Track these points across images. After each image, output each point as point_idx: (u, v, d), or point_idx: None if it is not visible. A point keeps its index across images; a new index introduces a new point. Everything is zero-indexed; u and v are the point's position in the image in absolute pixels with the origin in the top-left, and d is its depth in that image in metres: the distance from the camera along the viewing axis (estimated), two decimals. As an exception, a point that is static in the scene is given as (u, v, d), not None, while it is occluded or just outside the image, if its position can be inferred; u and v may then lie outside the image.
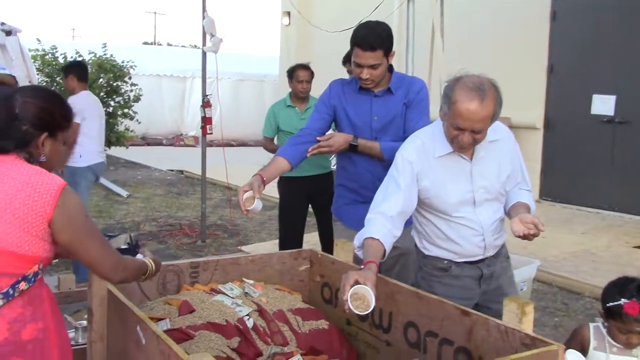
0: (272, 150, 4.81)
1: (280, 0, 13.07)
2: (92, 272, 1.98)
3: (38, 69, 11.20)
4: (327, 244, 4.72)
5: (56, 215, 1.76)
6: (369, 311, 2.09)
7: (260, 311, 2.47)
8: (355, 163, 3.13)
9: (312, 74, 4.97)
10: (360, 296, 2.10)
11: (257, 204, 2.72)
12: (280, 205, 5.10)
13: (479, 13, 8.82)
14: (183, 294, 2.53)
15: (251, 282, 2.69)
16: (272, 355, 2.31)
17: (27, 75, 7.58)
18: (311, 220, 5.27)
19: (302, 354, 2.35)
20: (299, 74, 4.94)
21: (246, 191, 2.72)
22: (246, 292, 2.58)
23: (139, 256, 2.24)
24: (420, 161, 2.48)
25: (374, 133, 3.07)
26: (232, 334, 2.34)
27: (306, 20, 9.15)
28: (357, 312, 2.09)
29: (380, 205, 2.46)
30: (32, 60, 11.14)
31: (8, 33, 6.92)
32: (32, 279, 1.79)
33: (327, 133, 3.13)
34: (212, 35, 6.19)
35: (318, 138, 3.03)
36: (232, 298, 2.51)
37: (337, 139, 3.04)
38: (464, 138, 2.32)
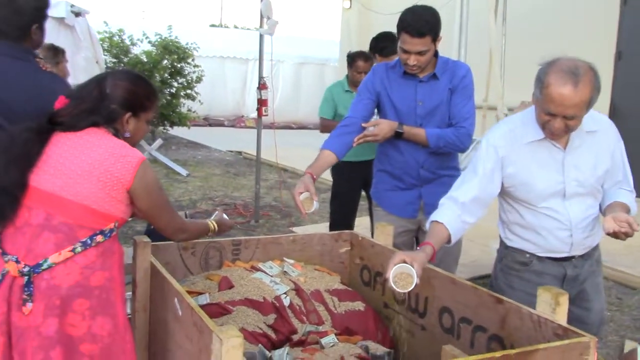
0: (330, 130, 4.81)
1: (341, -16, 13.00)
2: (160, 231, 2.23)
3: (106, 50, 11.56)
4: None
5: (135, 184, 2.00)
6: (408, 290, 2.09)
7: (298, 290, 2.52)
8: (399, 150, 3.08)
9: (372, 65, 4.89)
10: (404, 275, 2.10)
11: (315, 205, 2.68)
12: (333, 189, 5.11)
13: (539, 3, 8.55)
14: (224, 270, 2.60)
15: (291, 261, 2.74)
16: (306, 334, 2.36)
17: (95, 56, 7.87)
18: (364, 204, 5.28)
19: (336, 334, 2.39)
20: (358, 65, 4.85)
21: (301, 193, 2.67)
22: (285, 271, 2.63)
23: (215, 214, 2.51)
24: (507, 146, 2.38)
25: (418, 119, 3.02)
26: (268, 310, 2.40)
27: (362, 4, 9.08)
28: (396, 288, 2.09)
29: (454, 190, 2.43)
30: (100, 42, 11.55)
31: (77, 15, 7.18)
32: (108, 234, 2.00)
33: (372, 120, 3.08)
34: (269, 18, 6.24)
35: (364, 125, 2.98)
36: (271, 276, 2.57)
37: (383, 126, 2.97)
38: (556, 124, 2.20)
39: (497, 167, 2.38)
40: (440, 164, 3.08)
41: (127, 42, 11.73)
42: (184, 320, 1.99)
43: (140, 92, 2.11)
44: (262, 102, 6.25)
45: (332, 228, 5.07)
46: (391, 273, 2.09)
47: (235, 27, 38.74)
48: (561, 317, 1.95)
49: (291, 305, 2.45)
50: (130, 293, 2.82)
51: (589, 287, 2.55)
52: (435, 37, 2.88)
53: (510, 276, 2.53)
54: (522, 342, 2.00)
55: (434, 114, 3.01)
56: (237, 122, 17.03)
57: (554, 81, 2.13)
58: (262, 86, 6.25)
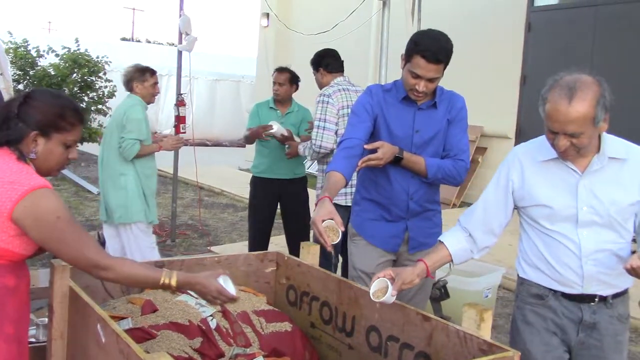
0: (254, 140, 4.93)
1: (259, 2, 13.08)
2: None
3: (11, 62, 11.04)
4: (294, 247, 4.74)
5: (18, 213, 1.82)
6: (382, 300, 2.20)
7: (224, 312, 2.47)
8: (389, 178, 2.90)
9: (291, 78, 4.96)
10: (383, 289, 2.23)
11: (340, 236, 2.36)
12: (250, 203, 5.12)
13: (455, 22, 8.89)
14: (147, 293, 2.51)
15: (216, 282, 2.68)
16: (234, 356, 2.31)
17: (0, 68, 7.47)
18: (279, 222, 5.28)
19: (264, 356, 2.36)
20: (274, 76, 4.98)
21: (324, 220, 2.35)
22: (210, 293, 2.58)
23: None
24: (519, 163, 2.33)
25: (414, 148, 2.86)
26: (194, 334, 2.34)
27: (283, 23, 9.16)
28: (374, 299, 2.21)
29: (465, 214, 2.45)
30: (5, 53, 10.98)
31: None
32: None
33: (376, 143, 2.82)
34: (187, 34, 6.17)
35: (367, 146, 2.77)
36: (196, 298, 2.50)
37: (386, 150, 2.75)
38: (559, 142, 2.10)
39: (506, 188, 2.34)
40: (429, 197, 2.97)
41: (33, 54, 11.25)
42: (108, 347, 1.90)
43: (52, 110, 1.94)
44: (180, 119, 6.14)
45: (251, 243, 5.05)
46: (372, 286, 2.24)
47: (148, 41, 38.02)
48: (486, 332, 2.01)
49: (218, 328, 2.40)
50: (45, 319, 2.68)
51: (608, 344, 2.29)
52: (446, 65, 2.76)
53: (525, 310, 2.38)
54: (449, 358, 2.05)
55: (430, 143, 2.89)
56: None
57: (551, 97, 2.10)
58: (179, 103, 6.15)
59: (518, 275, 2.41)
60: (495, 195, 2.38)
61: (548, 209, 2.25)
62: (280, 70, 5.00)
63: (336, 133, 4.19)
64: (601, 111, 2.08)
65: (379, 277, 2.23)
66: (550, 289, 2.30)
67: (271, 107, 5.02)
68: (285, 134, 4.71)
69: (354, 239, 3.05)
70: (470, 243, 2.39)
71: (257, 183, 5.01)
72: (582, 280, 2.24)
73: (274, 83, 4.94)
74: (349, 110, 4.71)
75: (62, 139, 1.98)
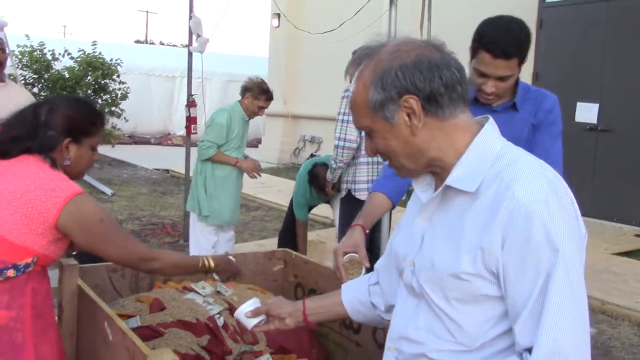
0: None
1: (270, 2, 13.13)
2: (120, 265, 2.17)
3: (26, 65, 11.17)
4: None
5: (64, 220, 1.86)
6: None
7: (231, 310, 2.49)
8: None
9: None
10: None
11: (363, 273, 2.06)
12: (285, 222, 5.04)
13: (466, 19, 8.88)
14: (155, 292, 2.54)
15: (224, 280, 2.70)
16: (240, 354, 2.33)
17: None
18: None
19: (271, 353, 2.37)
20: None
21: (347, 253, 2.12)
22: (218, 291, 2.60)
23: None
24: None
25: None
26: (202, 332, 2.36)
27: (292, 23, 9.18)
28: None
29: None
30: (20, 56, 11.13)
31: (-6, 28, 6.91)
32: (22, 269, 1.87)
33: None
34: (199, 36, 6.21)
35: None
36: (204, 296, 2.53)
37: None
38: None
39: None
40: None
41: (49, 57, 11.37)
42: (115, 345, 1.93)
43: (80, 117, 2.00)
44: (191, 120, 6.19)
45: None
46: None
47: (162, 43, 38.25)
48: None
49: (225, 326, 2.42)
50: (55, 318, 2.72)
51: None
52: (522, 60, 2.27)
53: None
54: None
55: None
56: (163, 139, 16.75)
57: None
58: (190, 104, 6.20)
59: None
60: None
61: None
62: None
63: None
64: (376, 92, 1.30)
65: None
66: None
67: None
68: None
69: None
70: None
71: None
72: None
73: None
74: None
75: (91, 142, 2.05)
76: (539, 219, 1.20)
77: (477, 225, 1.26)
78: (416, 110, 1.29)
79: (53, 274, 3.63)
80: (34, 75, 11.16)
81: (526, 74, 8.52)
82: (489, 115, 1.41)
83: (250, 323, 1.73)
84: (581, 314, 1.22)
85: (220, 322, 2.42)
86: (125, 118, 11.65)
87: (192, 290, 2.57)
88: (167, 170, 11.78)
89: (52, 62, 11.39)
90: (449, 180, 1.32)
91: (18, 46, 11.19)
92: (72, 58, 11.41)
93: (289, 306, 1.74)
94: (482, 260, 1.25)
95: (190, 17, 6.34)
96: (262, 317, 1.74)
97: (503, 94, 2.35)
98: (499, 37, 2.21)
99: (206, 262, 2.21)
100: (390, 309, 1.60)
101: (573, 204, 1.30)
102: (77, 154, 2.00)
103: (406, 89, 1.28)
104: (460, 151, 1.33)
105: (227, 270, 2.32)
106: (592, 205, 7.86)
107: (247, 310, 1.72)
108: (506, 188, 1.24)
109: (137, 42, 34.63)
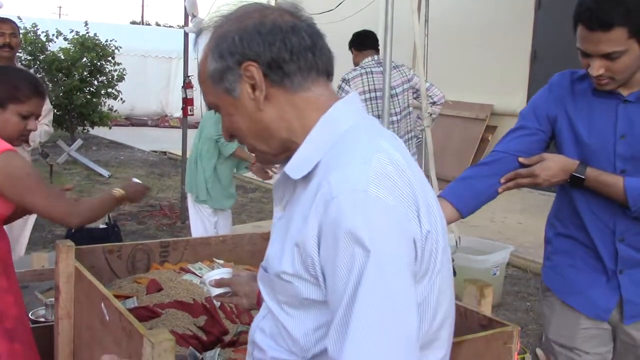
0: None
1: (267, -18, 13.01)
2: (49, 219, 2.24)
3: (21, 47, 11.09)
4: None
5: None
6: None
7: (228, 291, 2.50)
8: (576, 207, 2.02)
9: None
10: None
11: None
12: None
13: (464, 0, 8.84)
14: (152, 273, 2.55)
15: (221, 262, 2.71)
16: (237, 334, 2.34)
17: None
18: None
19: (268, 333, 2.38)
20: None
21: None
22: (215, 272, 2.60)
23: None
24: None
25: (618, 162, 1.92)
26: (199, 312, 2.37)
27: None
28: None
29: None
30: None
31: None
32: None
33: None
34: (194, 16, 6.16)
35: (522, 160, 1.98)
36: (200, 277, 2.53)
37: (549, 164, 1.93)
38: None
39: None
40: None
41: (43, 38, 11.29)
42: (112, 325, 1.93)
43: (6, 83, 2.15)
44: (187, 102, 6.16)
45: None
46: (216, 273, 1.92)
47: (158, 24, 38.01)
48: (486, 308, 2.02)
49: (222, 306, 2.42)
50: (53, 299, 2.73)
51: None
52: (635, 30, 1.76)
53: None
54: (450, 334, 2.06)
55: None
56: (160, 121, 16.70)
57: None
58: (187, 85, 6.17)
59: None
60: None
61: None
62: None
63: None
64: (215, 60, 1.16)
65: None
66: None
67: None
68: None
69: (546, 295, 2.21)
70: None
71: None
72: None
73: None
74: (371, 94, 4.65)
75: (17, 109, 2.17)
76: (351, 212, 1.00)
77: (301, 218, 1.09)
78: (257, 79, 1.12)
79: (50, 256, 3.66)
80: (29, 57, 11.08)
81: (524, 54, 8.49)
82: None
83: (214, 291, 1.79)
84: (395, 333, 0.99)
85: (217, 303, 2.42)
86: (122, 99, 11.60)
87: (189, 271, 2.58)
88: (165, 153, 11.77)
89: (47, 43, 11.31)
90: (287, 167, 1.15)
91: (12, 27, 11.10)
92: (65, 39, 11.33)
93: (247, 286, 1.67)
94: (300, 258, 1.08)
95: (186, -2, 6.29)
96: (227, 289, 1.72)
97: (624, 78, 1.86)
98: (594, 4, 1.79)
99: (117, 194, 2.34)
100: None
101: (414, 195, 1.06)
102: (1, 118, 2.14)
103: (244, 54, 1.12)
104: (308, 132, 1.15)
105: (136, 191, 2.43)
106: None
107: (212, 279, 1.79)
108: (325, 176, 1.06)
109: (133, 23, 34.39)
